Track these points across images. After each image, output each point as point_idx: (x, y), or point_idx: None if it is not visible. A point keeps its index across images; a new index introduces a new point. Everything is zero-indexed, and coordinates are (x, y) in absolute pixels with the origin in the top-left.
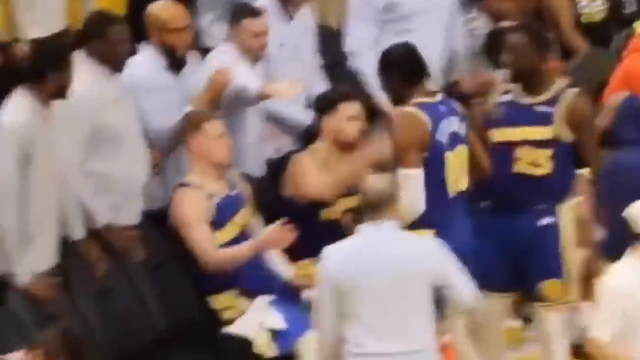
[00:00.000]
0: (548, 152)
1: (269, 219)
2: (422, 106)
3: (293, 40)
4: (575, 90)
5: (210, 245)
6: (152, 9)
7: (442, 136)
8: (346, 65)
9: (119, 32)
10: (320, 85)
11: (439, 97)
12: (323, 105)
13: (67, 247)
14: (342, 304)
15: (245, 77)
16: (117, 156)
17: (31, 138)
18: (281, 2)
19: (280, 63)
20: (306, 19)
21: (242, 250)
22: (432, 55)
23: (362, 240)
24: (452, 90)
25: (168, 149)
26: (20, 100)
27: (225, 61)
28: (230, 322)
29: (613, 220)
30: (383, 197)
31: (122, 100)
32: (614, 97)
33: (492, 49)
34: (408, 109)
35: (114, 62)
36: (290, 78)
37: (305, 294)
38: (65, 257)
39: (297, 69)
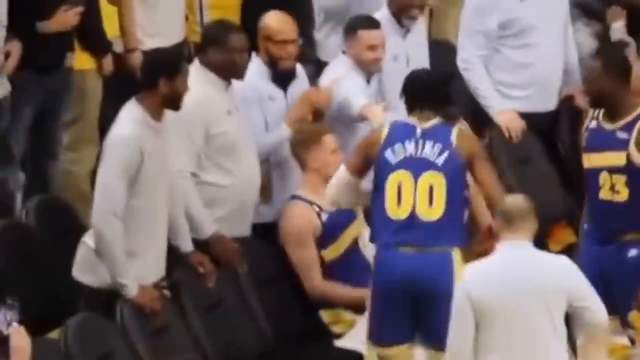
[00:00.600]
0: (623, 178)
1: None
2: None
3: (406, 54)
4: None
5: (315, 273)
6: (263, 19)
7: (392, 156)
8: (457, 81)
9: (238, 41)
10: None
11: (427, 122)
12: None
13: (176, 258)
14: (479, 324)
15: (354, 90)
16: (231, 168)
17: (141, 150)
18: (396, 16)
19: (392, 77)
20: (421, 33)
21: (347, 293)
22: (554, 68)
23: (503, 260)
24: (564, 104)
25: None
26: (132, 111)
27: (338, 74)
28: (339, 336)
29: None
30: (522, 216)
31: (236, 111)
32: None
33: None
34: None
35: (233, 71)
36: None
37: None
38: (175, 269)
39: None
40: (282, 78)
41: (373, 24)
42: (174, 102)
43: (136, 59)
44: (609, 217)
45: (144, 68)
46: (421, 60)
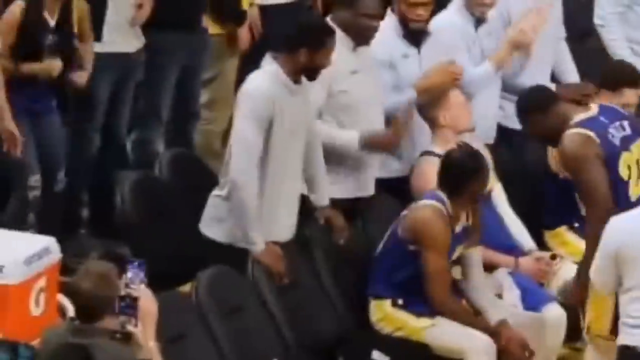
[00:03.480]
0: None
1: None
2: None
3: (540, 13)
4: None
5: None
6: None
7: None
8: (591, 39)
9: (370, 6)
10: (566, 57)
11: None
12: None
13: (309, 214)
14: (621, 275)
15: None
16: (352, 127)
17: (274, 104)
18: None
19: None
20: None
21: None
22: None
23: None
24: None
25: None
26: (268, 67)
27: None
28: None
29: None
30: None
31: (365, 70)
32: None
33: None
34: None
35: (360, 35)
36: (535, 51)
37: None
38: (308, 224)
39: (541, 41)
40: (414, 37)
41: None
42: (311, 72)
43: (253, 14)
44: None
45: (289, 30)
46: (554, 19)
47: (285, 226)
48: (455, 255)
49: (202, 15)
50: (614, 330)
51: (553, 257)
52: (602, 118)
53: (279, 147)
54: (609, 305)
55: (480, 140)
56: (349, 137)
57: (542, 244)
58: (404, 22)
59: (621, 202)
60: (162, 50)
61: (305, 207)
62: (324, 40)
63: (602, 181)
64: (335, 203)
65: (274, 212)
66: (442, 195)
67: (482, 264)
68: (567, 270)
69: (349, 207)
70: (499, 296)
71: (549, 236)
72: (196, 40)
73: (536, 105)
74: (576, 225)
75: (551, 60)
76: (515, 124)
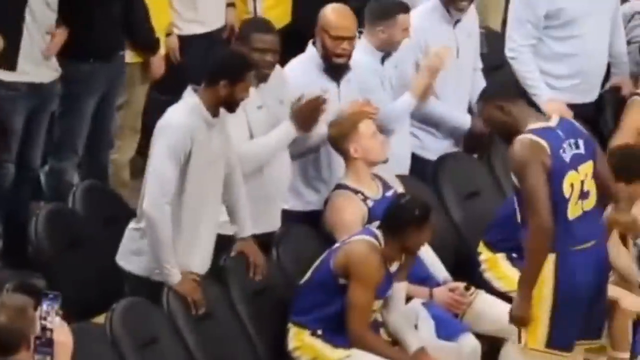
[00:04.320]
0: None
1: None
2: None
3: (457, 45)
4: None
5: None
6: (324, 9)
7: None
8: (507, 68)
9: (260, 42)
10: (481, 88)
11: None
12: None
13: (225, 244)
14: None
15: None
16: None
17: (191, 138)
18: (445, 6)
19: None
20: (470, 23)
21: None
22: (598, 61)
23: None
24: (610, 93)
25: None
26: (187, 100)
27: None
28: None
29: None
30: None
31: (270, 105)
32: None
33: None
34: None
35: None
36: (452, 82)
37: None
38: (224, 256)
39: (459, 72)
40: (335, 71)
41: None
42: (230, 105)
43: (172, 43)
44: None
45: (210, 64)
46: (471, 49)
47: (202, 257)
48: (388, 294)
49: (120, 45)
50: (549, 343)
51: (467, 287)
52: (559, 131)
53: (196, 179)
54: (545, 318)
55: (392, 171)
56: (282, 129)
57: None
58: (326, 56)
59: (559, 220)
60: (77, 81)
61: (221, 240)
62: (243, 74)
63: (544, 191)
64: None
65: (191, 243)
66: (378, 233)
67: None
68: (481, 301)
69: (260, 242)
70: (414, 327)
71: (484, 256)
72: (113, 70)
73: (496, 99)
74: (514, 255)
75: (468, 91)
76: (431, 154)
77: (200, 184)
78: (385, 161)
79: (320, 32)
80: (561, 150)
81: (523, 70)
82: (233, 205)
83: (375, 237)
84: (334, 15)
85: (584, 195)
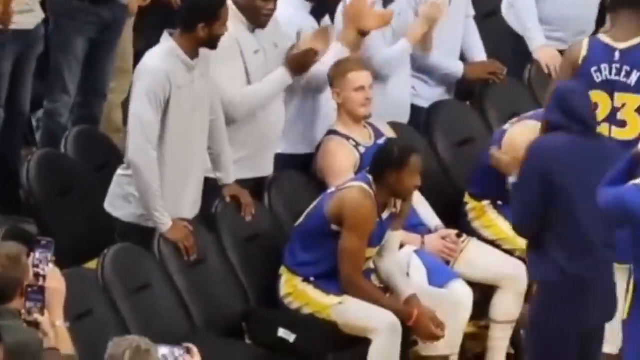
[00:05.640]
0: None
1: None
2: None
3: None
4: None
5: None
6: None
7: None
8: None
9: None
10: (473, 35)
11: None
12: None
13: (215, 191)
14: None
15: None
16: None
17: (170, 81)
18: None
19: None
20: None
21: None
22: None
23: None
24: None
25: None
26: (164, 44)
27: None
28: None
29: None
30: None
31: (268, 50)
32: None
33: None
34: None
35: (255, 19)
36: (441, 29)
37: None
38: (214, 202)
39: (450, 19)
40: (319, 11)
41: None
42: (210, 44)
43: None
44: None
45: (183, 11)
46: None
47: (191, 202)
48: (383, 241)
49: None
50: None
51: (459, 235)
52: (617, 53)
53: (179, 123)
54: None
55: (391, 118)
56: (278, 74)
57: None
58: None
59: None
60: (65, 15)
61: (211, 184)
62: (219, 12)
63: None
64: (240, 182)
65: (179, 189)
66: (371, 179)
67: None
68: (472, 249)
69: (252, 186)
70: (406, 274)
71: (470, 205)
72: (107, 13)
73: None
74: (499, 203)
75: (460, 39)
76: (423, 102)
77: (184, 128)
78: (366, 117)
79: None
80: (594, 68)
81: (521, 15)
82: (217, 153)
83: (369, 183)
84: None
85: (616, 121)
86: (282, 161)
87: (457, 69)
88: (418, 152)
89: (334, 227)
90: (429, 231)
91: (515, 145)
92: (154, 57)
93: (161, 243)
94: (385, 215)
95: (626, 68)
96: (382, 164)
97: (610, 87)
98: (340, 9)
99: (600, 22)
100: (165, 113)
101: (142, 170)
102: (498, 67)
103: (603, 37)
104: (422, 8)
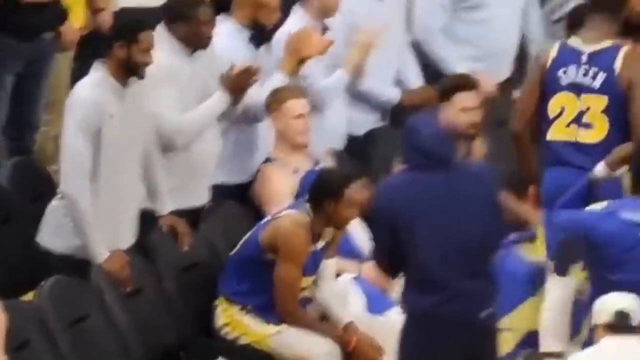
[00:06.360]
0: None
1: None
2: None
3: (384, 18)
4: None
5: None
6: None
7: None
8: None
9: (206, 14)
10: (410, 62)
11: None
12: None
13: (152, 221)
14: None
15: None
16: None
17: (102, 111)
18: None
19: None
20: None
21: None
22: (508, 42)
23: None
24: None
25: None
26: (95, 73)
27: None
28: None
29: None
30: None
31: (201, 76)
32: None
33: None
34: None
35: (199, 43)
36: (379, 55)
37: None
38: (150, 232)
39: (387, 46)
40: (257, 40)
41: None
42: (132, 69)
43: (103, 20)
44: None
45: (107, 31)
46: (398, 23)
47: (127, 233)
48: (317, 272)
49: (45, 26)
50: None
51: None
52: (583, 56)
53: (112, 153)
54: None
55: (326, 147)
56: (215, 99)
57: None
58: (255, 26)
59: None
60: None
61: (147, 214)
62: (136, 33)
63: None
64: (176, 212)
65: (114, 219)
66: (308, 207)
67: None
68: None
69: (188, 216)
70: (344, 302)
71: None
72: (33, 49)
73: None
74: None
75: (395, 65)
76: (358, 130)
77: (117, 157)
78: (305, 145)
79: (245, 6)
80: (561, 70)
81: (436, 50)
82: (152, 182)
83: (305, 211)
84: None
85: (582, 124)
86: (219, 191)
87: (393, 95)
88: (356, 181)
89: (268, 255)
90: (367, 258)
91: None
92: (84, 87)
93: (98, 274)
94: (320, 244)
95: (593, 70)
96: (319, 194)
97: (577, 89)
98: (277, 37)
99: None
100: (97, 143)
101: (76, 201)
102: (433, 94)
103: (572, 41)
104: (356, 36)
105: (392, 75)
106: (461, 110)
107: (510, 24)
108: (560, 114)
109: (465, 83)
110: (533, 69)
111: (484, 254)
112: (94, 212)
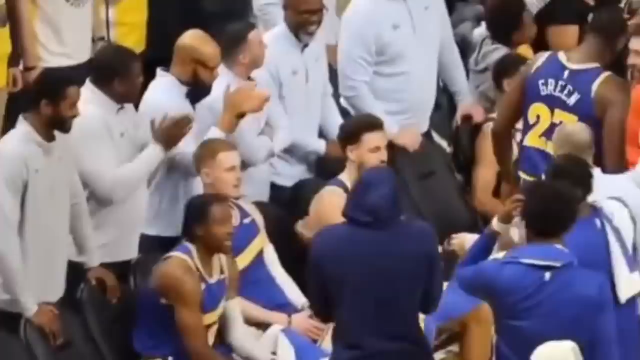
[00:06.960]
0: None
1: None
2: None
3: (305, 69)
4: None
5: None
6: (192, 41)
7: None
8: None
9: (139, 67)
10: (333, 113)
11: None
12: (347, 135)
13: (81, 274)
14: None
15: None
16: None
17: (26, 166)
18: (294, 30)
19: (292, 92)
20: (318, 47)
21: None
22: (426, 95)
23: None
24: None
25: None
26: (19, 128)
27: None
28: None
29: None
30: None
31: (129, 130)
32: None
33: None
34: None
35: (132, 97)
36: (302, 107)
37: None
38: (79, 285)
39: (309, 97)
40: (195, 96)
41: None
42: (59, 124)
43: (31, 77)
44: None
45: (31, 87)
46: (320, 74)
47: (55, 286)
48: (220, 307)
49: None
50: None
51: None
52: (566, 72)
53: (38, 207)
54: None
55: (251, 199)
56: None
57: None
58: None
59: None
60: None
61: (75, 267)
62: (62, 90)
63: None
64: (104, 265)
65: (43, 272)
66: (191, 247)
67: (257, 322)
68: None
69: (117, 269)
70: (274, 353)
71: None
72: None
73: None
74: None
75: (318, 116)
76: (285, 181)
77: (44, 212)
78: (237, 198)
79: (188, 62)
80: (542, 81)
81: (365, 107)
82: (80, 236)
83: (188, 251)
84: (204, 46)
85: (551, 137)
86: (148, 243)
87: (320, 146)
88: (219, 202)
89: (163, 300)
90: (296, 310)
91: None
92: (9, 141)
93: (27, 328)
94: (213, 279)
95: (569, 88)
96: (188, 222)
97: (552, 103)
98: (215, 92)
99: None
100: (23, 197)
101: (4, 255)
102: None
103: (560, 54)
104: (224, 95)
105: (316, 126)
106: (370, 151)
107: (428, 76)
108: (536, 123)
109: (371, 123)
110: (517, 77)
111: (410, 317)
112: (23, 266)
